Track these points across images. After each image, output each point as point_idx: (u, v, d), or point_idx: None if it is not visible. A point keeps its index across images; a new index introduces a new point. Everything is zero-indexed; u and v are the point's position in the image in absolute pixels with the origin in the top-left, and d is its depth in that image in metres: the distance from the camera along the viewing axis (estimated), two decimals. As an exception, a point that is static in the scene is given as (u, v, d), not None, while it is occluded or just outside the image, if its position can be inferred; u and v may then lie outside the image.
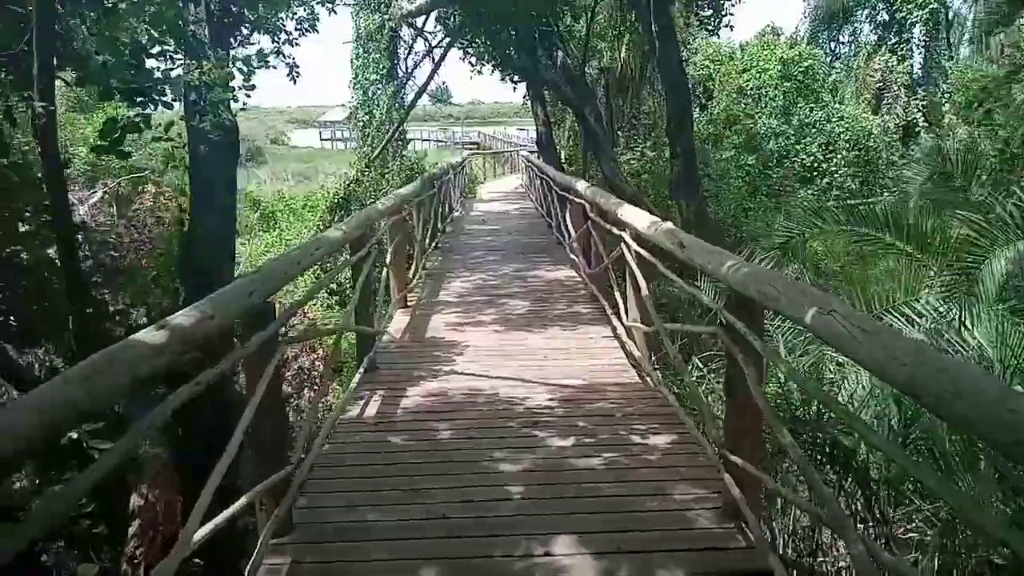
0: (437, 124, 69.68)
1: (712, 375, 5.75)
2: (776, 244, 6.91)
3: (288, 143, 69.72)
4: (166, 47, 4.82)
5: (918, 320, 5.45)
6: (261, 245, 15.85)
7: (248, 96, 5.05)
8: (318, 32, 11.98)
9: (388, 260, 6.74)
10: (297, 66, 11.62)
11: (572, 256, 9.05)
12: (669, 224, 4.23)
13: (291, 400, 8.16)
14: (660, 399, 4.64)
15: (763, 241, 17.58)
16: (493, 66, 14.17)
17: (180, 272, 5.33)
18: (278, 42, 11.58)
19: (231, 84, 4.83)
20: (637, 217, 4.93)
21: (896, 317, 5.51)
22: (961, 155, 8.33)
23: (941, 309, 5.07)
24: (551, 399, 4.69)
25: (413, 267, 8.59)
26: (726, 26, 12.10)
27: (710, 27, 12.14)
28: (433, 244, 11.05)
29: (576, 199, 8.56)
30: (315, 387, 8.97)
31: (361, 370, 5.03)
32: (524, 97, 17.80)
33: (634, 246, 5.03)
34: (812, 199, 20.79)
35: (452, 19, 14.38)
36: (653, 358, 5.31)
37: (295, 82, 11.71)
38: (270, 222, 18.17)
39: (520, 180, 27.11)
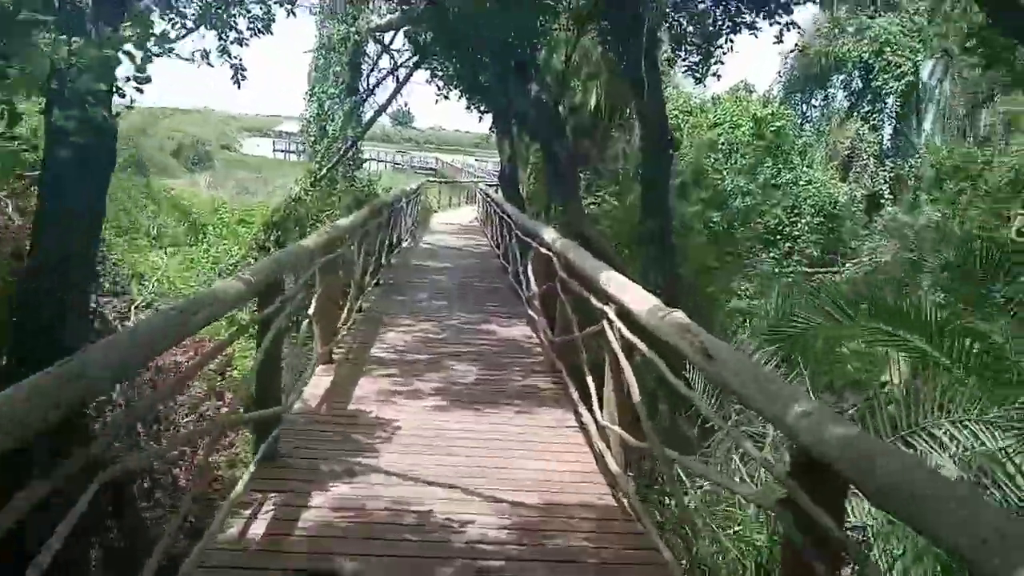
0: (396, 146, 68.52)
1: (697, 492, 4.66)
2: (779, 336, 5.85)
3: (239, 150, 67.38)
4: (34, 14, 3.60)
5: (948, 443, 4.50)
6: (185, 261, 14.33)
7: (140, 91, 3.83)
8: (272, 33, 10.78)
9: (312, 309, 5.56)
10: (244, 68, 10.39)
11: (531, 312, 7.96)
12: (681, 315, 3.16)
13: (185, 458, 6.81)
14: (642, 535, 3.55)
15: (723, 301, 16.84)
16: (460, 92, 13.16)
17: (11, 321, 3.93)
18: (225, 39, 10.40)
19: (114, 71, 3.64)
20: (632, 294, 3.85)
21: (921, 439, 4.54)
22: (983, 246, 7.49)
23: (987, 440, 4.12)
24: (502, 526, 3.54)
25: (346, 310, 7.39)
26: (713, 75, 11.32)
27: (697, 74, 11.32)
28: (375, 281, 9.87)
29: (542, 248, 7.51)
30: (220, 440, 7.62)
31: (252, 466, 3.80)
32: (490, 128, 16.88)
33: (621, 327, 3.95)
34: (773, 263, 20.31)
35: (423, 37, 13.32)
36: (630, 470, 4.25)
37: (239, 86, 10.50)
38: (199, 235, 16.67)
39: (476, 213, 26.13)
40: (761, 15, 9.76)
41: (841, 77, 23.52)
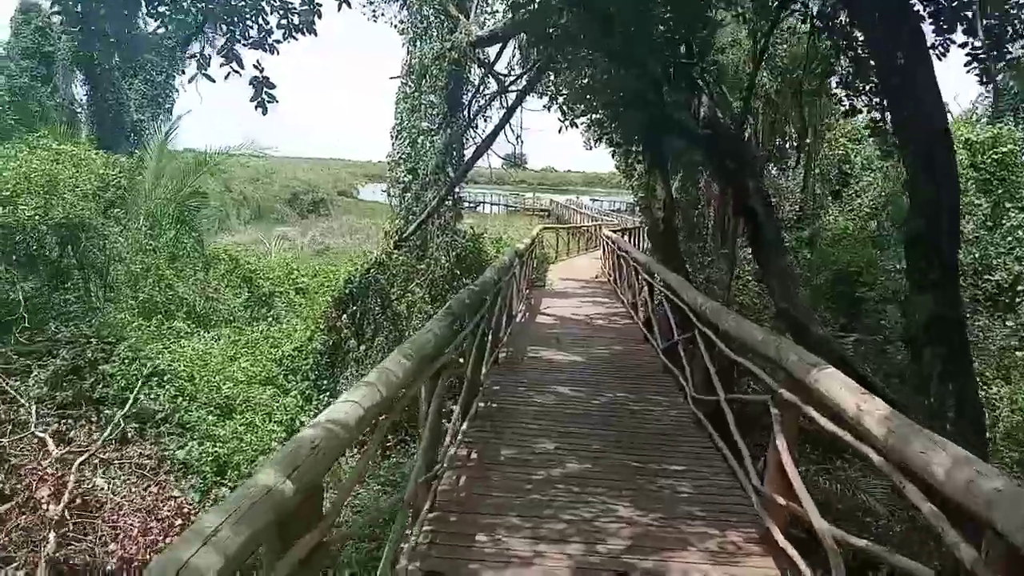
0: (509, 188, 65.13)
1: None
2: None
3: (357, 196, 66.24)
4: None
5: None
6: (235, 347, 10.88)
7: None
8: (316, 34, 7.29)
9: None
10: (270, 85, 6.86)
11: (776, 534, 3.79)
12: None
13: None
14: None
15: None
16: (600, 114, 9.31)
17: None
18: (238, 38, 6.91)
19: None
20: None
21: None
22: None
23: None
24: None
25: (415, 509, 3.47)
26: (1012, 68, 6.93)
27: (982, 66, 6.94)
28: (473, 411, 6.02)
29: (811, 412, 3.41)
30: None
31: None
32: (628, 163, 12.81)
33: None
34: (1010, 334, 15.17)
35: (548, 39, 9.16)
36: None
37: (265, 111, 7.00)
38: (263, 308, 13.27)
39: (600, 264, 22.04)
40: None
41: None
